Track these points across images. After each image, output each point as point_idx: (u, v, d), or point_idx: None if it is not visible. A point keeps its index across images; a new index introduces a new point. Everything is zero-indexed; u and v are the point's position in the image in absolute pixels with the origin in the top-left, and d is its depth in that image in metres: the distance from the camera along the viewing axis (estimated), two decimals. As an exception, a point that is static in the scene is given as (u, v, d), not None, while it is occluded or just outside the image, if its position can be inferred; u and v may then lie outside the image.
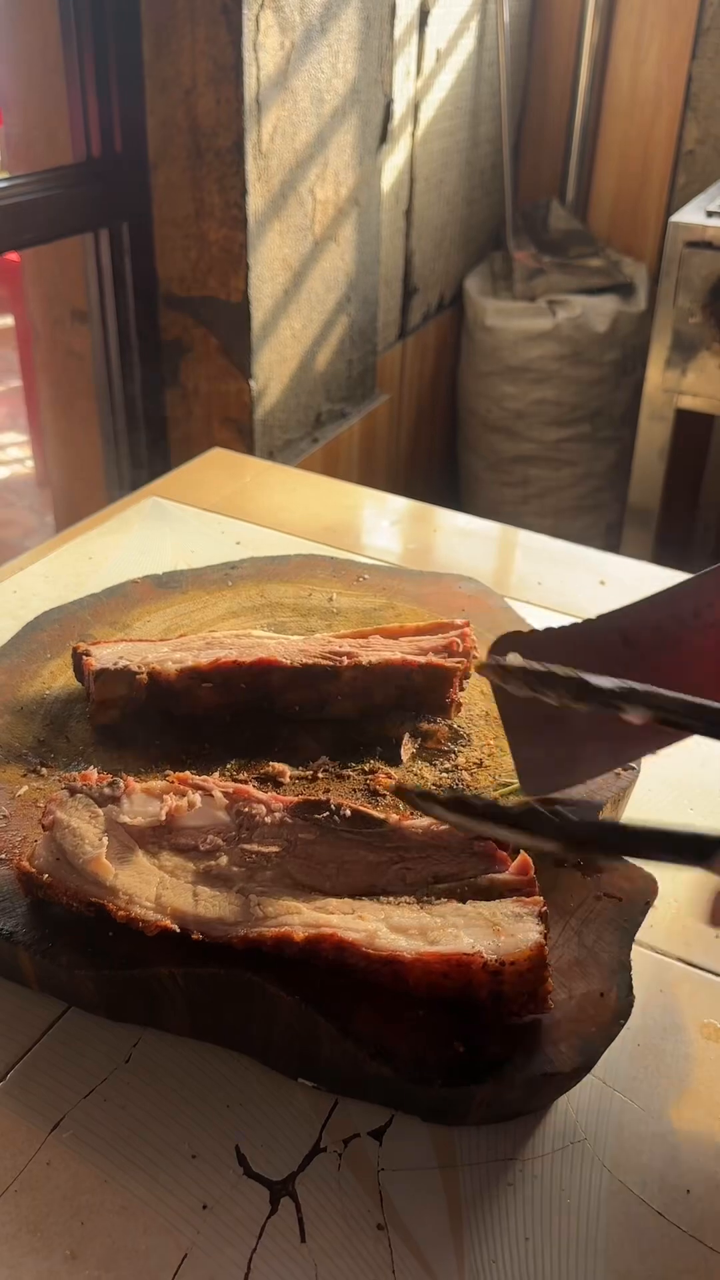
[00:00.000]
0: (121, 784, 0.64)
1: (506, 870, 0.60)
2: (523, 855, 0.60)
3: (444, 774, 0.73)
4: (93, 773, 0.66)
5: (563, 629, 0.64)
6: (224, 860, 0.60)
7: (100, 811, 0.63)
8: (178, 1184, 0.55)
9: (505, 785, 0.72)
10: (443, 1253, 0.52)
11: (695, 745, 0.85)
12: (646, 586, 1.08)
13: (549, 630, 0.63)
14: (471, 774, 0.73)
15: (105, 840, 0.60)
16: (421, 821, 0.62)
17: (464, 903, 0.58)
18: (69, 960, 0.58)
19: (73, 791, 0.64)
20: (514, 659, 0.57)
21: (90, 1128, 0.57)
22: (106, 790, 0.64)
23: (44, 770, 0.72)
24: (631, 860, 0.61)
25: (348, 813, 0.62)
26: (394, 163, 2.15)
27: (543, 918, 0.56)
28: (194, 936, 0.57)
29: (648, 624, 0.63)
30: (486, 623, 0.89)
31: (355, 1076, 0.57)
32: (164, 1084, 0.59)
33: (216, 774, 0.71)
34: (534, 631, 0.64)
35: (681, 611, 0.63)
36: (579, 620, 0.64)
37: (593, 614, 0.82)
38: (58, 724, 0.77)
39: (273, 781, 0.71)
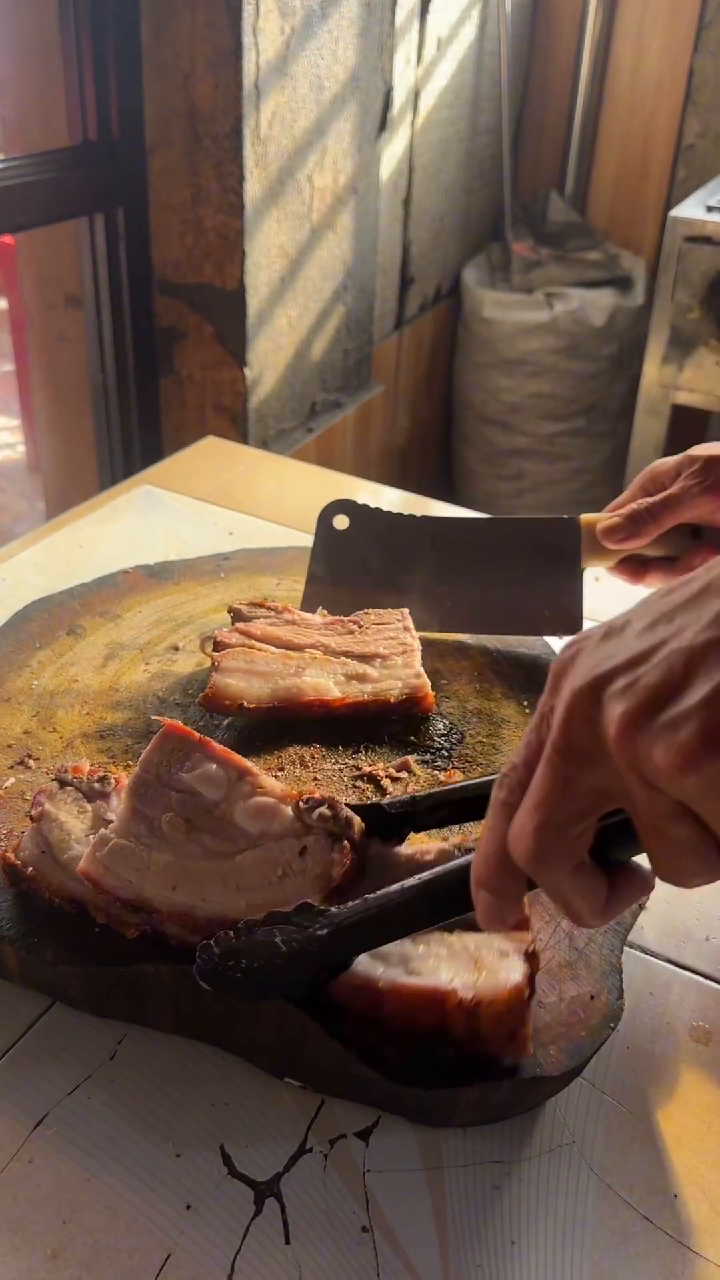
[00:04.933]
0: (112, 780, 0.63)
1: None
2: None
3: (436, 771, 0.72)
4: (84, 765, 0.65)
5: (386, 513, 0.84)
6: (211, 863, 0.59)
7: (89, 807, 0.62)
8: (161, 1183, 0.54)
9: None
10: (428, 1255, 0.52)
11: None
12: (642, 587, 1.07)
13: (376, 510, 0.84)
14: (465, 772, 0.72)
15: (91, 838, 0.59)
16: (405, 850, 0.60)
17: (451, 933, 0.56)
18: (53, 955, 0.58)
19: (63, 784, 0.63)
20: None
21: (74, 1125, 0.56)
22: (96, 785, 0.63)
23: (31, 762, 0.71)
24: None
25: (345, 815, 0.60)
26: (393, 151, 2.14)
27: (530, 957, 0.54)
28: (171, 943, 0.56)
29: (454, 539, 0.84)
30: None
31: (342, 1076, 0.56)
32: (149, 1081, 0.58)
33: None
34: (364, 506, 0.84)
35: (487, 538, 0.84)
36: (402, 514, 0.85)
37: (589, 612, 0.83)
38: (45, 715, 0.76)
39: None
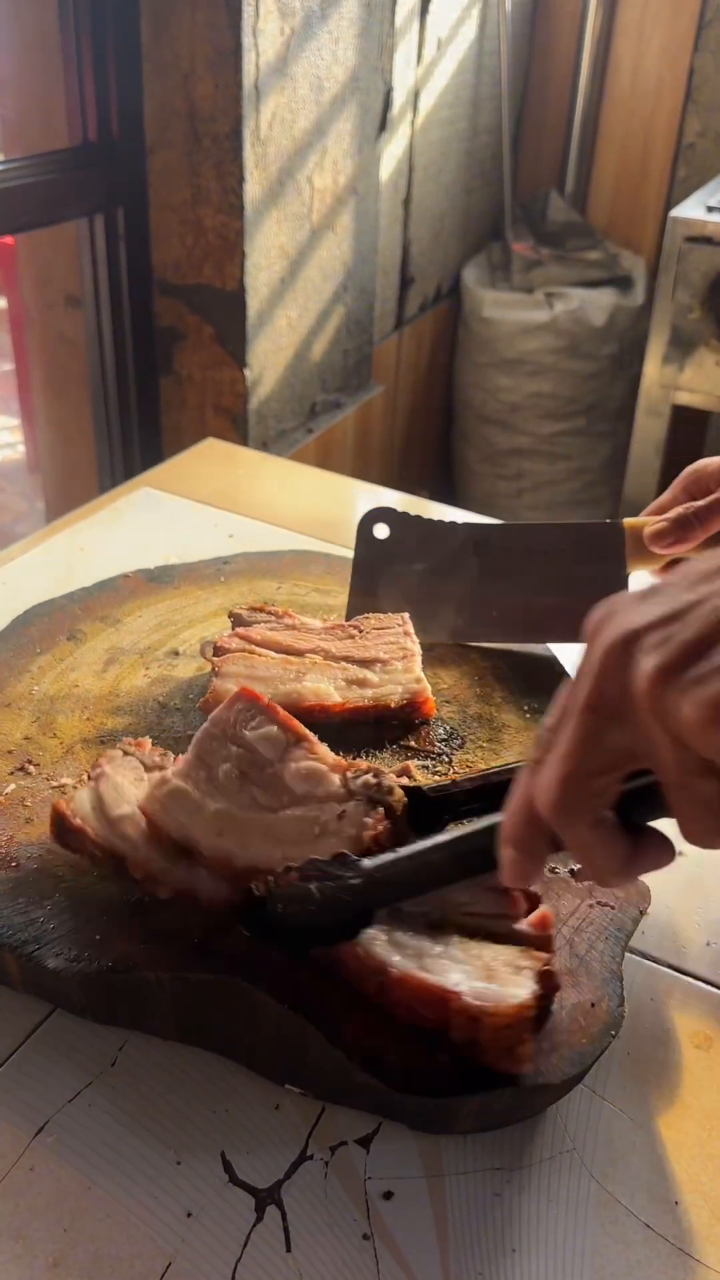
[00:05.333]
0: (173, 757, 0.66)
1: (521, 917, 0.58)
2: (544, 910, 0.58)
3: (436, 776, 0.72)
4: (147, 742, 0.68)
5: (426, 520, 0.83)
6: (257, 815, 0.61)
7: (145, 776, 0.64)
8: (162, 1191, 0.54)
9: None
10: (429, 1263, 0.52)
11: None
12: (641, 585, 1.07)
13: (416, 518, 0.83)
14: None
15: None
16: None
17: (473, 939, 0.56)
18: (55, 963, 0.58)
19: (125, 753, 0.66)
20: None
21: (75, 1133, 0.56)
22: (157, 759, 0.66)
23: (31, 768, 0.71)
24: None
25: (388, 785, 0.61)
26: (393, 151, 2.13)
27: (544, 977, 0.54)
28: (201, 904, 0.59)
29: (496, 544, 0.83)
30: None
31: (343, 1083, 0.56)
32: (150, 1089, 0.58)
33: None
34: (404, 514, 0.83)
35: (531, 545, 0.83)
36: (442, 521, 0.84)
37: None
38: (45, 720, 0.76)
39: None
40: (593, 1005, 0.57)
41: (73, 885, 0.62)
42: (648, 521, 0.79)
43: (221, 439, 1.39)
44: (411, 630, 0.80)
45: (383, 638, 0.79)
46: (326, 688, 0.74)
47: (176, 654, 0.84)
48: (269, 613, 0.81)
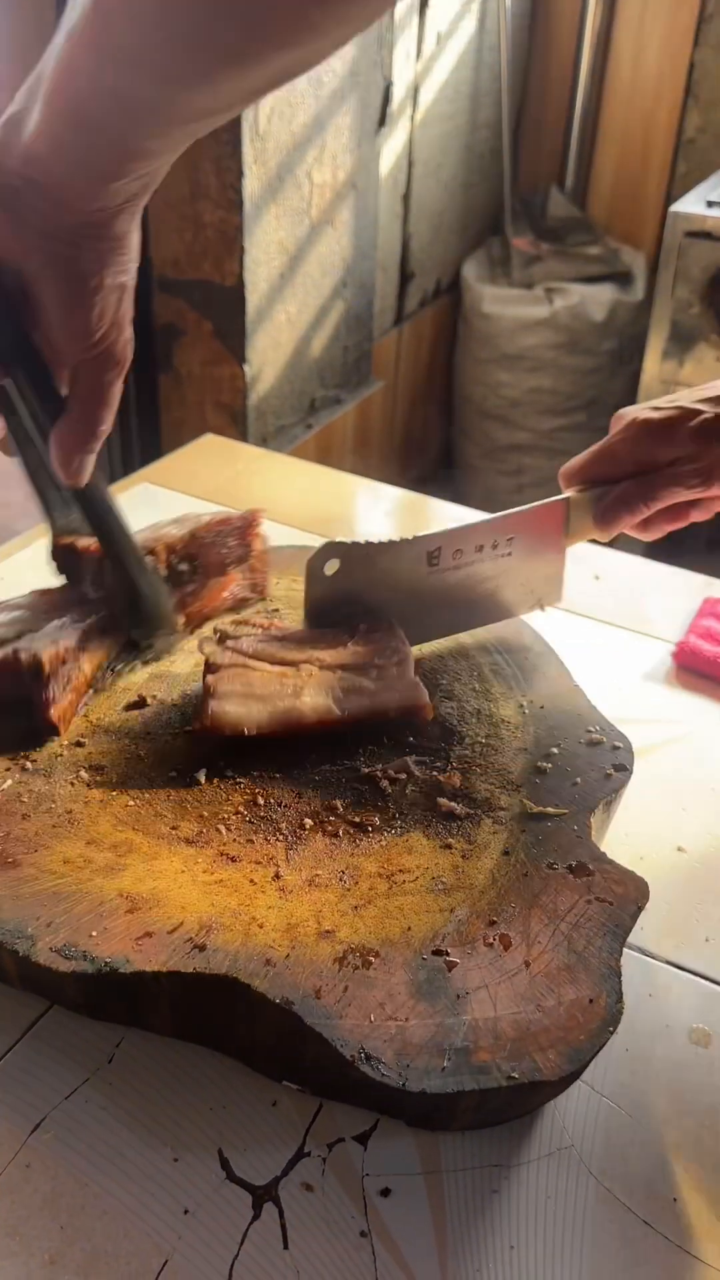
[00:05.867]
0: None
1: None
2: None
3: (434, 772, 0.72)
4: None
5: (379, 544, 0.79)
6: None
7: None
8: (159, 1187, 0.54)
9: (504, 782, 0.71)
10: (426, 1261, 0.52)
11: (689, 743, 0.84)
12: (641, 582, 1.07)
13: (367, 543, 0.78)
14: (464, 773, 0.72)
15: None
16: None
17: None
18: (51, 959, 0.57)
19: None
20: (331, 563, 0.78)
21: (71, 1129, 0.56)
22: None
23: (29, 765, 0.71)
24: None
25: None
26: (392, 146, 2.13)
27: None
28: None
29: (450, 547, 0.80)
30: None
31: (340, 1080, 0.56)
32: (147, 1085, 0.58)
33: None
34: (355, 544, 0.78)
35: (482, 541, 0.80)
36: (394, 541, 0.80)
37: (589, 610, 0.82)
38: (30, 738, 0.75)
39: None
40: (590, 1001, 0.57)
41: (69, 882, 0.62)
42: (589, 496, 0.78)
43: (221, 435, 1.39)
44: (401, 633, 0.79)
45: (373, 640, 0.78)
46: (325, 702, 0.72)
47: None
48: (254, 625, 0.80)
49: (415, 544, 0.80)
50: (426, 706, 0.74)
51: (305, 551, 0.95)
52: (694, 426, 0.72)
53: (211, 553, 0.86)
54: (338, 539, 0.79)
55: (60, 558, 0.80)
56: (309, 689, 0.73)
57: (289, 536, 1.10)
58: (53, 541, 0.80)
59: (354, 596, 0.81)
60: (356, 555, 0.79)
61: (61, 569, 0.81)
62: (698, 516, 0.79)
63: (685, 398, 0.74)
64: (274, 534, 1.10)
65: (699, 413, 0.73)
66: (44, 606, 0.80)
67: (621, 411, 0.76)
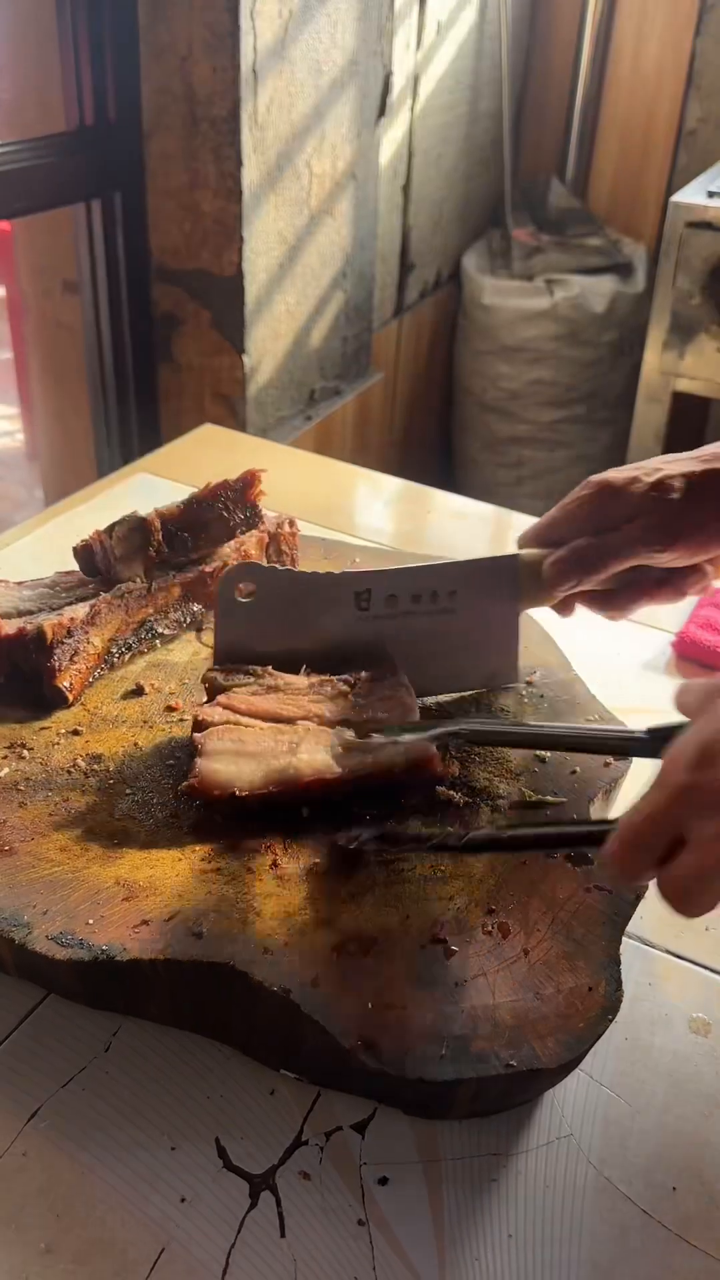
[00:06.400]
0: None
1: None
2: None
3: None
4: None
5: (300, 574, 0.72)
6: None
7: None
8: (156, 1176, 0.54)
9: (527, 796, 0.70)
10: (424, 1249, 0.52)
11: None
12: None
13: (287, 571, 0.72)
14: (464, 764, 0.72)
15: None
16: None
17: None
18: (48, 947, 0.57)
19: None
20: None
21: (68, 1118, 0.56)
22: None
23: (25, 753, 0.71)
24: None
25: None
26: (392, 136, 2.12)
27: None
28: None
29: (382, 591, 0.73)
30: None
31: (338, 1069, 0.56)
32: (144, 1074, 0.58)
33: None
34: (271, 569, 0.72)
35: (419, 589, 0.73)
36: (317, 574, 0.73)
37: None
38: (41, 706, 0.75)
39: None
40: (590, 989, 0.56)
41: (66, 870, 0.61)
42: (544, 555, 0.72)
43: (220, 426, 1.38)
44: (408, 682, 0.73)
45: (377, 693, 0.72)
46: (324, 758, 0.67)
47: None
48: (247, 671, 0.73)
49: (340, 580, 0.72)
50: (435, 760, 0.67)
51: (304, 542, 0.95)
52: (649, 482, 0.68)
53: (214, 519, 0.86)
54: (251, 564, 0.72)
55: (82, 559, 0.82)
56: (306, 745, 0.67)
57: (288, 526, 1.09)
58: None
59: (271, 635, 0.73)
60: (273, 582, 0.72)
61: (84, 568, 0.82)
62: (667, 597, 0.73)
63: (654, 460, 0.70)
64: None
65: (658, 470, 0.68)
66: (66, 585, 0.82)
67: (591, 477, 0.72)
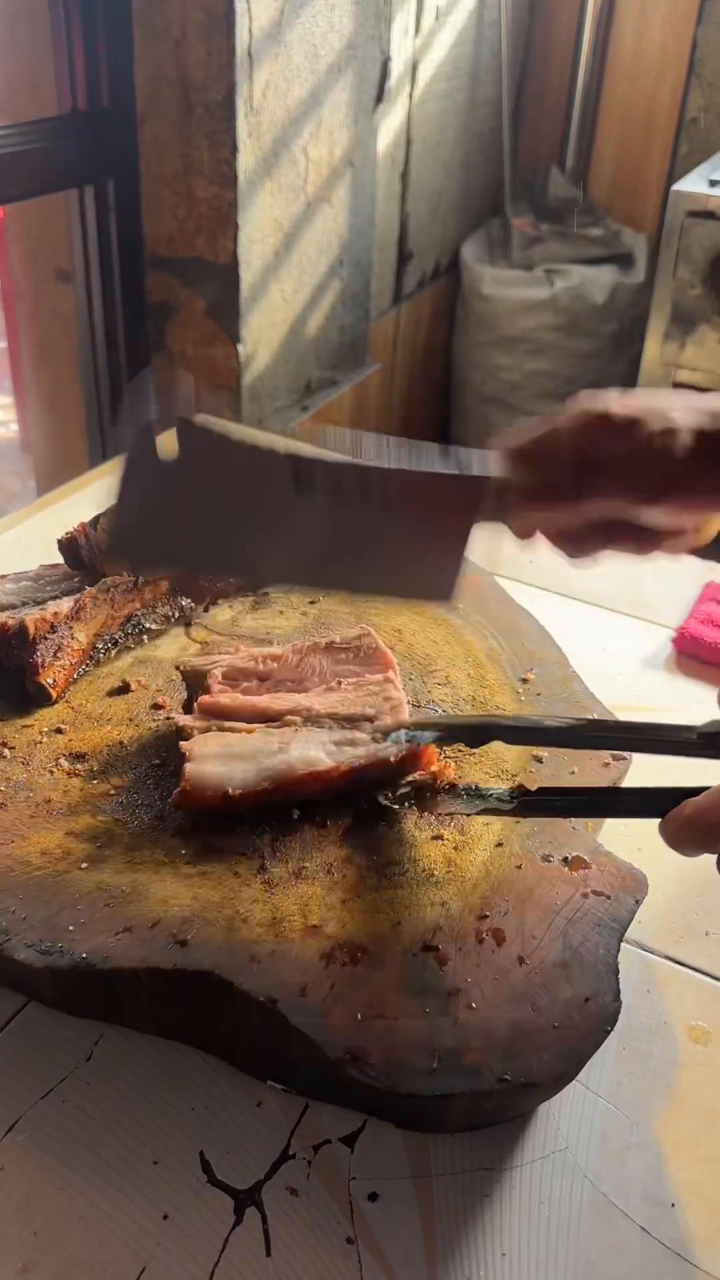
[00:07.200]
0: None
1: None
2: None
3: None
4: None
5: (237, 441, 0.61)
6: None
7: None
8: (138, 1192, 0.52)
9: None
10: (415, 1268, 0.50)
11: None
12: (640, 566, 1.05)
13: (221, 436, 0.60)
14: (459, 762, 0.70)
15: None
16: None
17: None
18: (27, 954, 0.55)
19: None
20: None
21: (47, 1130, 0.54)
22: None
23: (7, 752, 0.69)
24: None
25: None
26: (390, 123, 2.09)
27: None
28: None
29: (326, 478, 0.62)
30: (475, 602, 0.85)
31: (326, 1080, 0.54)
32: (126, 1085, 0.56)
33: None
34: (204, 426, 0.60)
35: (370, 487, 0.62)
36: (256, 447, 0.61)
37: (587, 595, 0.79)
38: (24, 703, 0.73)
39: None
40: (587, 1000, 0.55)
41: (47, 874, 0.60)
42: (515, 476, 0.62)
43: (214, 417, 1.36)
44: (396, 679, 0.72)
45: (364, 689, 0.71)
46: (315, 754, 0.65)
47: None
48: (220, 654, 0.72)
49: (280, 459, 0.62)
50: (428, 752, 0.67)
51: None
52: (656, 430, 0.59)
53: None
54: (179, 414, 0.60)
55: (67, 551, 0.80)
56: (297, 743, 0.66)
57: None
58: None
59: (183, 511, 0.62)
60: (202, 442, 0.60)
61: (69, 562, 0.81)
62: (633, 550, 0.64)
63: (664, 399, 0.61)
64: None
65: (666, 417, 0.60)
66: (51, 578, 0.81)
67: (586, 393, 0.63)
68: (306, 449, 0.62)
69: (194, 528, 0.62)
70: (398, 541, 0.65)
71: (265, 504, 0.62)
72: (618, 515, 0.61)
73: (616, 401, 0.61)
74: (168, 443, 0.59)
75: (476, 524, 0.65)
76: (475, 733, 0.64)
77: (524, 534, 0.65)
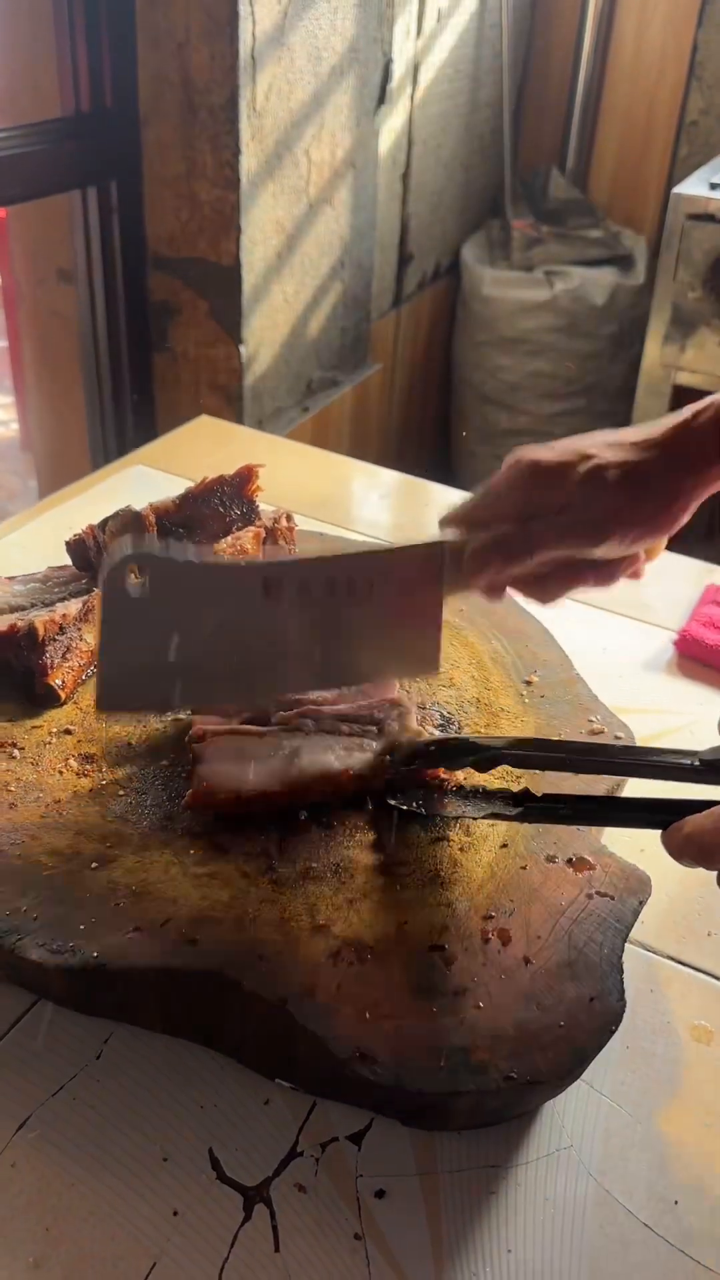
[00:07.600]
0: None
1: None
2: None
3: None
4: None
5: (203, 564, 0.61)
6: None
7: None
8: (148, 1188, 0.53)
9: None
10: (422, 1264, 0.51)
11: (691, 733, 0.83)
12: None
13: (186, 562, 0.60)
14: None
15: None
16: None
17: None
18: (38, 954, 0.56)
19: None
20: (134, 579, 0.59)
21: (58, 1128, 0.55)
22: None
23: (16, 751, 0.69)
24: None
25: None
26: (392, 125, 2.10)
27: None
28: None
29: (293, 580, 0.62)
30: (475, 603, 0.86)
31: (334, 1078, 0.55)
32: (135, 1082, 0.57)
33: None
34: (164, 557, 0.59)
35: (335, 578, 0.63)
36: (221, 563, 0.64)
37: (589, 598, 0.80)
38: (33, 704, 0.74)
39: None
40: (591, 1000, 0.55)
41: (57, 874, 0.60)
42: (468, 540, 0.64)
43: (216, 417, 1.37)
44: (405, 700, 0.72)
45: (369, 694, 0.72)
46: (325, 758, 0.66)
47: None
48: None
49: (245, 569, 0.64)
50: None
51: (301, 535, 0.94)
52: (583, 472, 0.61)
53: (211, 514, 0.84)
54: (143, 550, 0.59)
55: (75, 553, 0.81)
56: (307, 748, 0.67)
57: (285, 520, 1.08)
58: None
59: (165, 634, 0.61)
60: (167, 570, 0.59)
61: (77, 564, 0.81)
62: (596, 583, 0.66)
63: (588, 441, 0.63)
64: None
65: (591, 457, 0.62)
66: (59, 580, 0.81)
67: (517, 450, 0.65)
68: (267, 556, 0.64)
69: (177, 659, 0.62)
70: (375, 626, 0.66)
71: (241, 617, 0.62)
72: (571, 556, 0.63)
73: (544, 452, 0.63)
74: (134, 579, 0.59)
75: (444, 594, 0.67)
76: (481, 754, 0.64)
77: (492, 592, 0.67)
